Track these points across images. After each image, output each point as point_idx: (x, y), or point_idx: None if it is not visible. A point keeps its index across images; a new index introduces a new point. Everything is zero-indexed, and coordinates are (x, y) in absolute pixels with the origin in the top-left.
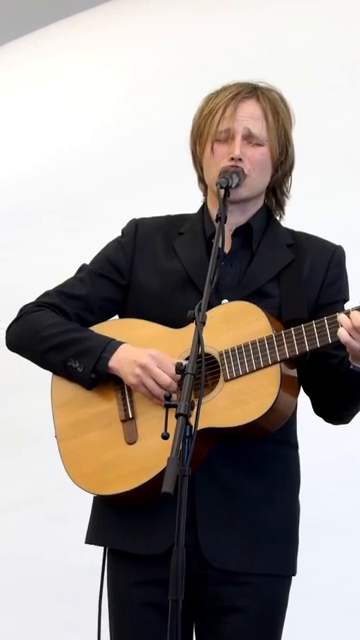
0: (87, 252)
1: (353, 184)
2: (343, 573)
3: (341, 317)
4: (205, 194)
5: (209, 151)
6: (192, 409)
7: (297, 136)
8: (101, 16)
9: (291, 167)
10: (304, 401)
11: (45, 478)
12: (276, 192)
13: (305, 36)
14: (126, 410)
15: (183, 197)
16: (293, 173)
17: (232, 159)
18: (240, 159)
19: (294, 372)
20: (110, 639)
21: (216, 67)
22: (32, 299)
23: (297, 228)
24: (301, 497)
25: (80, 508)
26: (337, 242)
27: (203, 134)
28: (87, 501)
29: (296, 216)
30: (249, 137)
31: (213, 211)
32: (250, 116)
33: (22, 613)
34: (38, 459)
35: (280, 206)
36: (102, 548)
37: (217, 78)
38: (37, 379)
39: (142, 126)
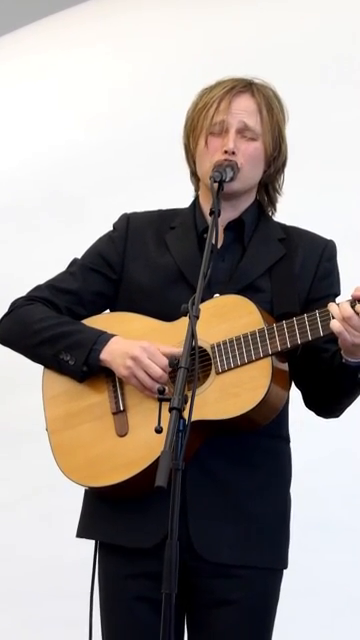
0: (81, 247)
1: (347, 180)
2: (335, 567)
3: (332, 307)
4: (197, 189)
5: (203, 144)
6: (185, 403)
7: (292, 132)
8: (95, 10)
9: (284, 164)
10: (297, 396)
11: (40, 474)
12: (268, 188)
13: (300, 32)
14: (117, 402)
15: (178, 192)
16: (287, 169)
17: (226, 152)
18: (234, 152)
19: (285, 365)
20: (102, 633)
21: (210, 62)
22: (24, 293)
23: (289, 222)
24: (293, 491)
25: (74, 504)
26: (329, 237)
27: (197, 127)
28: (82, 497)
29: (289, 212)
30: (243, 131)
31: (205, 205)
32: (245, 110)
33: (16, 609)
34: (33, 456)
35: (272, 203)
36: (94, 542)
37: (211, 74)
38: (32, 375)
39: (136, 121)
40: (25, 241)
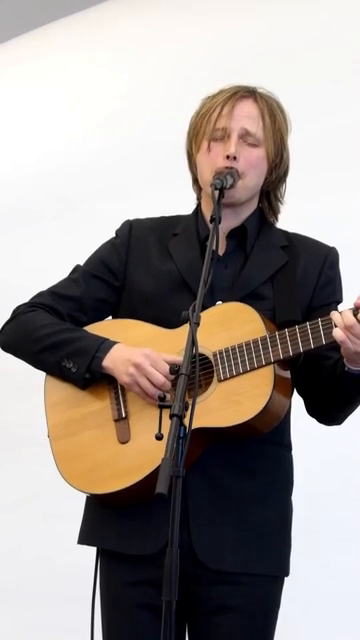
0: (84, 253)
1: (347, 184)
2: (336, 574)
3: (334, 315)
4: (199, 196)
5: (204, 149)
6: (186, 410)
7: (295, 137)
8: (97, 16)
9: (285, 172)
10: (299, 403)
11: (41, 478)
12: (270, 197)
13: (301, 37)
14: (119, 409)
15: (181, 198)
16: (289, 173)
17: (227, 157)
18: (235, 157)
19: (287, 373)
20: (103, 639)
21: (212, 67)
22: (27, 300)
23: (291, 229)
24: (295, 498)
25: (75, 508)
26: (332, 244)
27: (199, 133)
28: (83, 501)
29: (291, 218)
30: (245, 136)
31: (207, 212)
32: (247, 115)
33: (17, 613)
34: (34, 459)
35: (274, 211)
36: (95, 548)
37: (214, 78)
38: (34, 380)
39: (138, 127)
40: (28, 246)
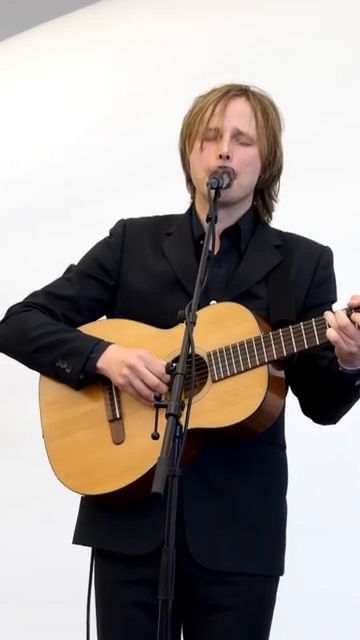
0: (80, 254)
1: (343, 184)
2: (330, 573)
3: (328, 316)
4: (193, 195)
5: (197, 149)
6: (182, 409)
7: (290, 137)
8: (96, 15)
9: (279, 171)
10: (294, 403)
11: (37, 479)
12: (264, 195)
13: (300, 38)
14: (114, 410)
15: (177, 198)
16: (284, 174)
17: (220, 157)
18: (228, 157)
19: (282, 373)
20: (98, 639)
21: (211, 68)
22: (21, 299)
23: (285, 228)
24: (289, 497)
25: (71, 509)
26: (326, 244)
27: (192, 132)
28: (78, 502)
29: (286, 217)
30: (238, 135)
31: (201, 212)
32: (239, 114)
33: (13, 613)
34: (30, 460)
35: (268, 210)
36: (90, 548)
37: (212, 79)
38: (30, 380)
39: (136, 127)
40: (24, 246)
